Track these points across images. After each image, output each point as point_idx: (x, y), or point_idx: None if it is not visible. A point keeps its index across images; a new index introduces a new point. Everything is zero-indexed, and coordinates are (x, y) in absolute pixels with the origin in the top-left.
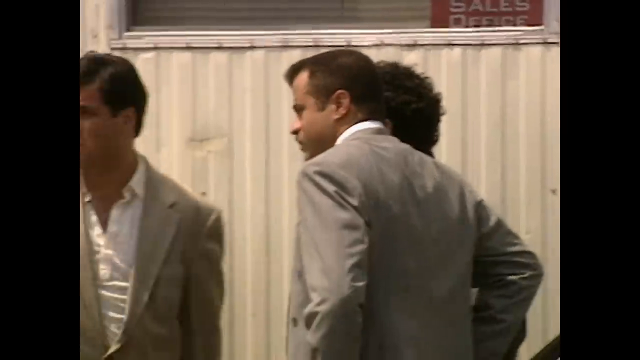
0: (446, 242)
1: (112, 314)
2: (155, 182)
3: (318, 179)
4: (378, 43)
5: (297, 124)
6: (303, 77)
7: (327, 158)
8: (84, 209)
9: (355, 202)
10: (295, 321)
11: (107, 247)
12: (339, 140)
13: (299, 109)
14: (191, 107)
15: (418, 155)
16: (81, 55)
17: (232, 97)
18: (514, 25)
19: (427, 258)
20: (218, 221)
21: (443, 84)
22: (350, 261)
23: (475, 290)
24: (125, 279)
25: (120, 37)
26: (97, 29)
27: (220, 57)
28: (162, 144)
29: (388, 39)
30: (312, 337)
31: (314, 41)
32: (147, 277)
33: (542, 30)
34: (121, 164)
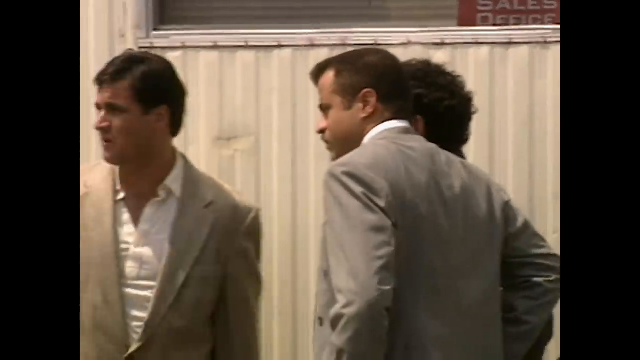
0: (474, 242)
1: (135, 313)
2: (192, 180)
3: (345, 179)
4: (405, 42)
5: (323, 124)
6: (329, 76)
7: (354, 158)
8: (115, 206)
9: (382, 203)
10: (321, 320)
11: (137, 245)
12: (366, 140)
13: (325, 108)
14: (218, 106)
15: (445, 154)
16: (110, 55)
17: (259, 96)
18: (542, 23)
19: (454, 258)
20: (256, 220)
21: (470, 83)
22: (377, 264)
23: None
24: (152, 278)
25: (147, 37)
26: (125, 29)
27: (247, 55)
28: (190, 142)
29: (415, 37)
30: (337, 338)
31: (341, 40)
32: (175, 277)
33: None
34: (156, 161)
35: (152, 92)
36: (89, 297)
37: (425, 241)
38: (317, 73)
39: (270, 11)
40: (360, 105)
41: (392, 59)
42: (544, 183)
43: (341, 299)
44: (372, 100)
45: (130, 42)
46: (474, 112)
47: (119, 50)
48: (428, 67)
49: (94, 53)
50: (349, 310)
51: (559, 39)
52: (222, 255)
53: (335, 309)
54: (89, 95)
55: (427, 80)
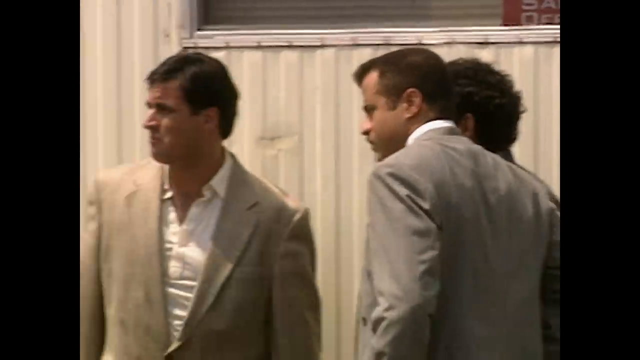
0: (518, 245)
1: (177, 312)
2: (238, 181)
3: (390, 181)
4: (449, 41)
5: (367, 125)
6: (373, 76)
7: (399, 159)
8: (162, 205)
9: (427, 205)
10: (365, 320)
11: (181, 245)
12: (410, 140)
13: (369, 109)
14: (262, 106)
15: (492, 157)
16: (154, 56)
17: (302, 96)
18: None
19: (496, 260)
20: (303, 220)
21: (515, 82)
22: (421, 268)
23: None
24: (194, 278)
25: (191, 37)
26: (169, 29)
27: (291, 55)
28: (233, 142)
29: (459, 37)
30: (377, 341)
31: (384, 39)
32: (216, 278)
33: None
34: (203, 161)
35: (201, 93)
36: (133, 295)
37: (468, 244)
38: (361, 74)
39: (314, 11)
40: (405, 105)
41: (436, 58)
42: None
43: (383, 302)
44: (417, 100)
45: (174, 42)
46: (523, 112)
47: (163, 50)
48: (478, 65)
49: (138, 53)
50: (391, 314)
51: None
52: (267, 257)
53: (377, 312)
54: (132, 94)
55: (478, 78)
